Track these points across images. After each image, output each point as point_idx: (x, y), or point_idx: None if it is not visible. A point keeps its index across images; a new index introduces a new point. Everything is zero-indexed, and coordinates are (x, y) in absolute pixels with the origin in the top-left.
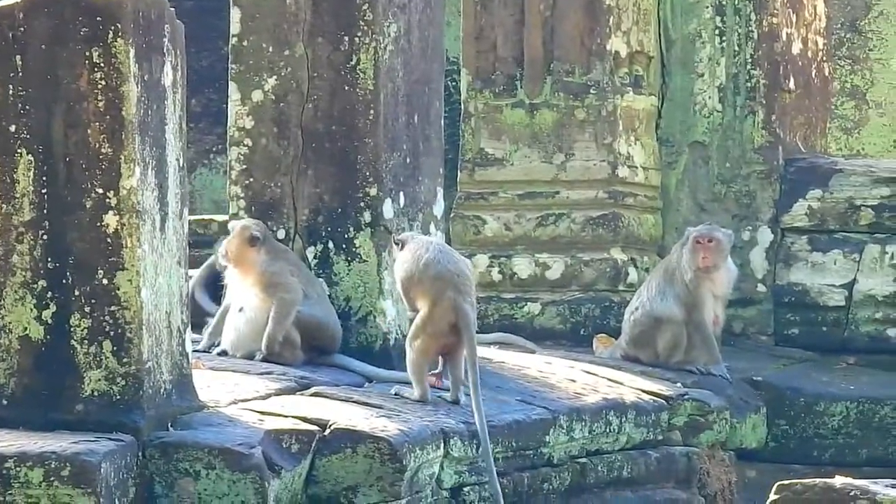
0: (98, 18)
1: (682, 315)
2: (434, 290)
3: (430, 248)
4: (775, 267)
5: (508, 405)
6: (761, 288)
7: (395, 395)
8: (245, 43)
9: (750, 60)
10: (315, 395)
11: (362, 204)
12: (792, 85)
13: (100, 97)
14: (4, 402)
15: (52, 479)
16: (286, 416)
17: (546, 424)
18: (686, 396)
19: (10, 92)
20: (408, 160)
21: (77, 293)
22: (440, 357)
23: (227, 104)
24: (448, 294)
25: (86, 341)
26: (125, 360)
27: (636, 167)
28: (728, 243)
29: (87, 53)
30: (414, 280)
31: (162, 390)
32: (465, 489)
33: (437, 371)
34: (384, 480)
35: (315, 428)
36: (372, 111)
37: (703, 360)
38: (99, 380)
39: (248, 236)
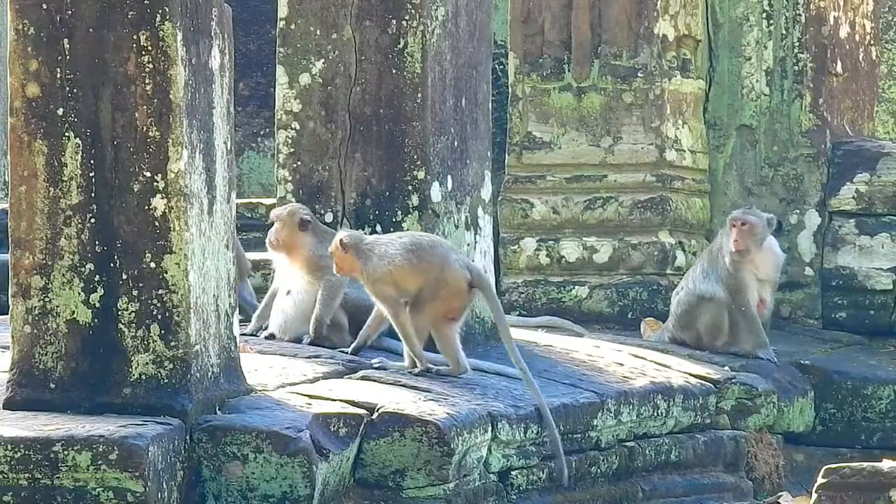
0: (146, 2)
1: (724, 297)
2: (438, 258)
3: (400, 235)
4: (823, 250)
5: (556, 389)
6: (809, 271)
7: (427, 371)
8: (293, 26)
9: (797, 44)
10: (363, 378)
11: (410, 187)
12: (839, 68)
13: (147, 81)
14: (52, 385)
15: (99, 462)
16: (334, 400)
17: (594, 408)
18: (734, 380)
19: (58, 76)
20: (455, 143)
21: (125, 277)
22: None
23: (274, 88)
24: (453, 256)
25: (133, 325)
26: (173, 343)
27: (684, 150)
28: (763, 227)
29: (135, 37)
30: (408, 262)
31: (209, 374)
32: (514, 473)
33: None
34: (432, 464)
35: (363, 411)
36: (419, 94)
37: (749, 344)
38: (147, 363)
39: (299, 220)
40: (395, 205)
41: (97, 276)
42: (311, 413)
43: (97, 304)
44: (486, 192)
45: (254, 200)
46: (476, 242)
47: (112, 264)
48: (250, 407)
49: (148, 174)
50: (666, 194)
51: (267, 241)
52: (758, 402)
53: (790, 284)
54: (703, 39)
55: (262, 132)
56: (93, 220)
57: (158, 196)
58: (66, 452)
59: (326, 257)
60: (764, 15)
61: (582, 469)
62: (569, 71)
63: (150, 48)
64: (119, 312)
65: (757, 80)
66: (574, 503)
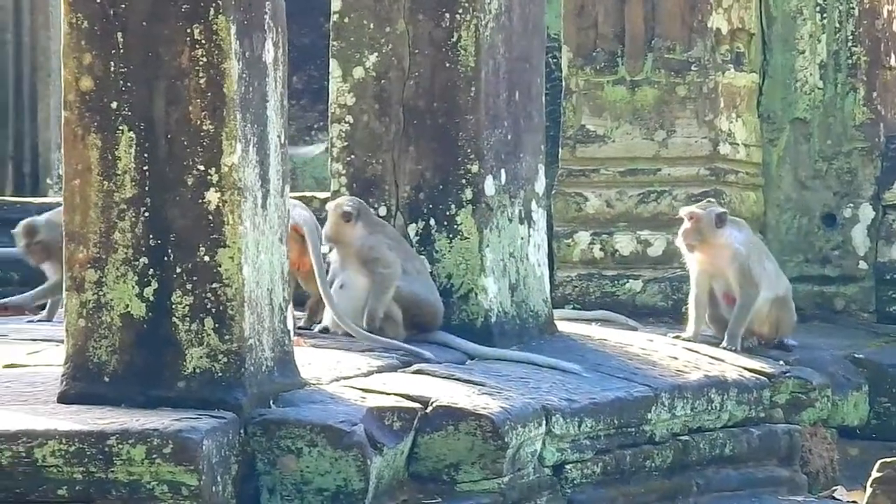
0: None
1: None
2: None
3: None
4: (877, 244)
5: (610, 382)
6: (863, 265)
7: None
8: (346, 20)
9: (851, 37)
10: (417, 372)
11: (464, 181)
12: (893, 62)
13: (201, 74)
14: (106, 379)
15: (154, 456)
16: (388, 394)
17: (648, 402)
18: (788, 374)
19: (112, 69)
20: (509, 137)
21: (179, 270)
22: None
23: (328, 81)
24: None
25: (187, 318)
26: (227, 337)
27: (737, 144)
28: (710, 221)
29: (188, 30)
30: None
31: (264, 367)
32: (568, 466)
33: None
34: (486, 458)
35: (417, 405)
36: (473, 88)
37: (689, 332)
38: (201, 357)
39: (342, 212)
40: (449, 198)
41: (151, 269)
42: (366, 407)
43: (151, 298)
44: (540, 185)
45: (308, 194)
46: (530, 236)
47: (166, 258)
48: (304, 401)
49: (202, 168)
50: (719, 188)
51: (323, 232)
52: (812, 397)
53: (844, 278)
54: (757, 33)
55: (315, 126)
56: (147, 214)
57: (212, 189)
58: (120, 446)
59: (376, 248)
60: (817, 8)
61: (636, 463)
62: (622, 64)
63: (203, 41)
64: (173, 306)
65: (811, 74)
66: (628, 497)
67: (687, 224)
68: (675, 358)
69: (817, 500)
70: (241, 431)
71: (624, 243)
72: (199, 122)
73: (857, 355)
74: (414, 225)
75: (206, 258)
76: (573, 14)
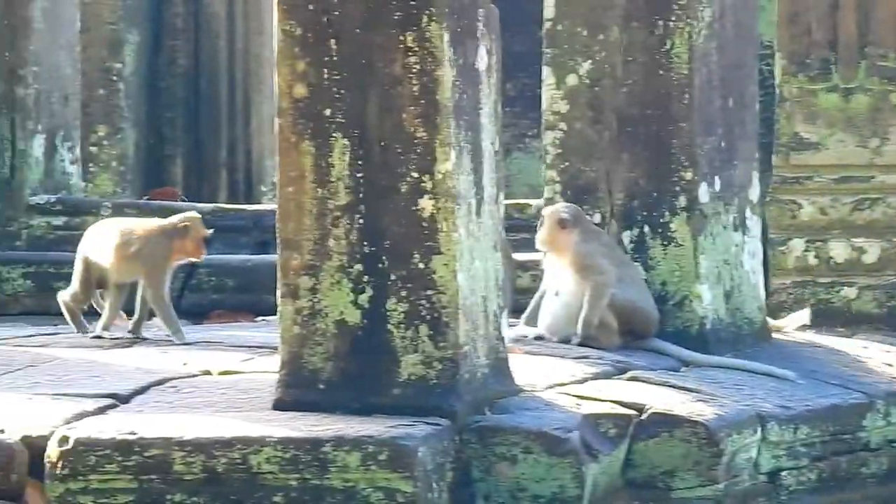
0: (412, 2)
1: None
2: None
3: None
4: None
5: (826, 389)
6: None
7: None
8: (560, 27)
9: None
10: (631, 379)
11: (677, 188)
12: None
13: (414, 81)
14: (321, 386)
15: (369, 463)
16: (603, 400)
17: (863, 409)
18: None
19: (325, 76)
20: (722, 144)
21: (393, 277)
22: None
23: (541, 88)
24: None
25: (402, 325)
26: (442, 344)
27: None
28: (554, 222)
29: (402, 38)
30: None
31: (478, 374)
32: (783, 473)
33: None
34: (701, 465)
35: (632, 412)
36: (686, 95)
37: None
38: (416, 364)
39: (558, 219)
40: (663, 206)
41: (366, 276)
42: (581, 413)
43: (366, 305)
44: (754, 192)
45: (522, 201)
46: (744, 243)
47: (380, 265)
48: (519, 407)
49: (415, 175)
50: None
51: (536, 237)
52: None
53: None
54: None
55: (529, 133)
56: (361, 221)
57: (426, 197)
58: (335, 453)
59: (591, 256)
60: None
61: (852, 470)
62: (835, 72)
63: (416, 49)
64: (388, 313)
65: None
66: None
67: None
68: (890, 365)
69: None
70: (456, 438)
71: (838, 250)
72: (412, 130)
73: None
74: (628, 232)
75: (421, 265)
76: (786, 21)
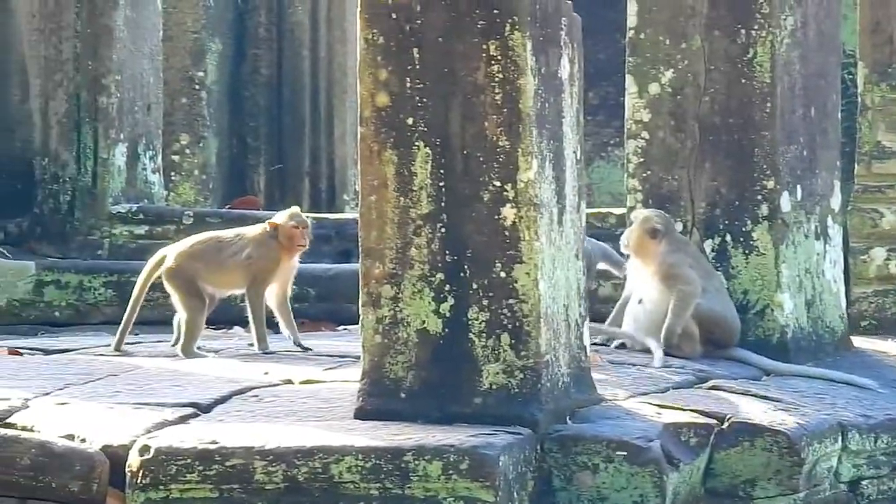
0: (495, 11)
1: None
2: None
3: None
4: None
5: None
6: None
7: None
8: (642, 36)
9: None
10: (713, 388)
11: (759, 197)
12: None
13: (497, 90)
14: (402, 395)
15: (450, 472)
16: (684, 410)
17: None
18: None
19: (408, 85)
20: (804, 153)
21: (475, 286)
22: None
23: (624, 97)
24: None
25: (483, 334)
26: (523, 353)
27: None
28: (642, 230)
29: (484, 46)
30: None
31: (560, 383)
32: (864, 482)
33: None
34: (782, 474)
35: (713, 421)
36: (769, 104)
37: None
38: (497, 373)
39: (650, 228)
40: (745, 214)
41: (447, 285)
42: (662, 423)
43: (447, 314)
44: (836, 201)
45: (604, 210)
46: (826, 252)
47: (462, 274)
48: (600, 416)
49: (497, 184)
50: None
51: (621, 241)
52: None
53: None
54: None
55: (611, 142)
56: (443, 230)
57: (508, 205)
58: (416, 462)
59: (678, 266)
60: None
61: None
62: None
63: (499, 57)
64: (469, 322)
65: None
66: None
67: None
68: None
69: None
70: (538, 447)
71: None
72: (494, 138)
73: None
74: (710, 241)
75: (503, 274)
76: (868, 30)
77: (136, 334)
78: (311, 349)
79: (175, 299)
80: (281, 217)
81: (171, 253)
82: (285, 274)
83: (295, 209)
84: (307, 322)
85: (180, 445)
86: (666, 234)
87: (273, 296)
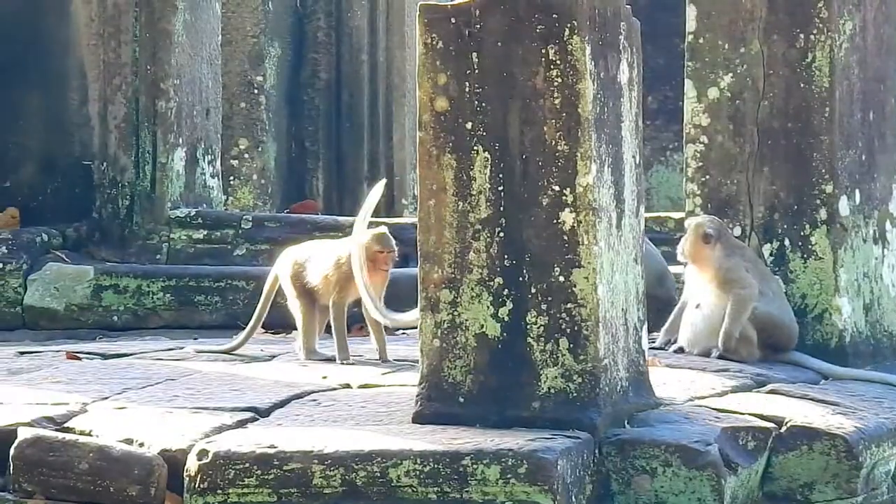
0: (554, 15)
1: None
2: None
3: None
4: None
5: None
6: None
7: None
8: (701, 40)
9: None
10: (771, 392)
11: (818, 201)
12: None
13: (555, 94)
14: (461, 399)
15: (508, 476)
16: (742, 414)
17: None
18: None
19: (467, 89)
20: (863, 157)
21: (533, 290)
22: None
23: (682, 101)
24: None
25: (542, 339)
26: (581, 357)
27: None
28: (696, 236)
29: (543, 51)
30: None
31: (618, 387)
32: None
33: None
34: (840, 478)
35: (771, 425)
36: (827, 108)
37: None
38: (555, 377)
39: (702, 233)
40: (804, 219)
41: (506, 289)
42: (720, 426)
43: (506, 318)
44: (894, 205)
45: (662, 214)
46: (884, 256)
47: (520, 278)
48: (659, 420)
49: (556, 188)
50: None
51: (678, 249)
52: None
53: None
54: None
55: (670, 146)
56: (501, 234)
57: (567, 210)
58: (475, 466)
59: (734, 270)
60: None
61: None
62: None
63: (558, 62)
64: (528, 326)
65: None
66: None
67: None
68: None
69: None
70: (596, 451)
71: None
72: (553, 143)
73: None
74: (768, 245)
75: (561, 278)
76: None
77: (195, 339)
78: (391, 361)
79: (289, 300)
80: (366, 238)
81: (288, 254)
82: (372, 290)
83: (382, 231)
84: (366, 326)
85: (238, 450)
86: (719, 238)
87: (364, 309)
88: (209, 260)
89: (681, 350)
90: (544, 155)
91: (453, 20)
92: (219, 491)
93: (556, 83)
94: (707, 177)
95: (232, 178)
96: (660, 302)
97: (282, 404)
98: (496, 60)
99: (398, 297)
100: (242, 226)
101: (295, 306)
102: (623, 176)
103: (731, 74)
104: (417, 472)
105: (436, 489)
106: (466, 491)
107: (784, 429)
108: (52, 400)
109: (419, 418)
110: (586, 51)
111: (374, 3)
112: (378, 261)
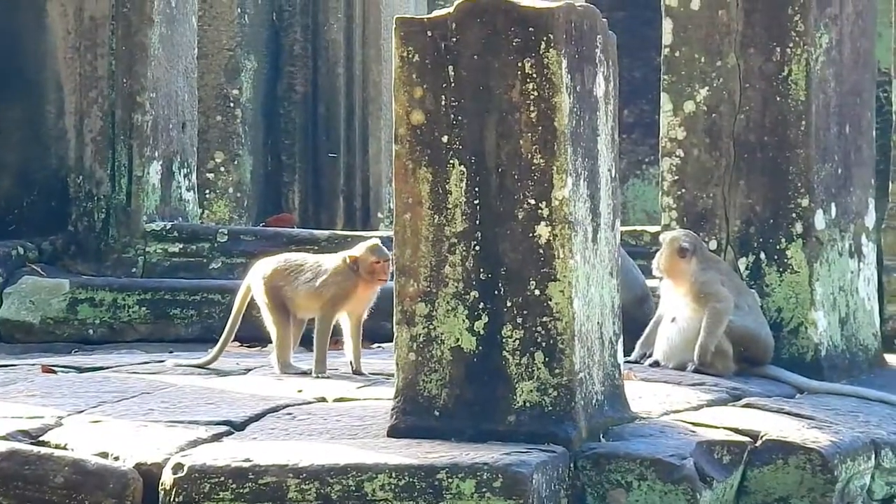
0: (530, 29)
1: None
2: None
3: None
4: None
5: None
6: None
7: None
8: (677, 53)
9: None
10: (746, 406)
11: (794, 215)
12: None
13: (532, 108)
14: (436, 413)
15: (483, 490)
16: (717, 427)
17: None
18: None
19: (443, 103)
20: (839, 171)
21: (509, 304)
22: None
23: (659, 115)
24: None
25: (518, 352)
26: (557, 371)
27: None
28: (671, 250)
29: (520, 64)
30: None
31: (594, 401)
32: None
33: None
34: (815, 492)
35: (746, 439)
36: (803, 122)
37: None
38: (531, 391)
39: (678, 247)
40: (779, 232)
41: (481, 303)
42: (695, 440)
43: (481, 332)
44: (870, 219)
45: (638, 228)
46: (860, 270)
47: (496, 291)
48: (634, 434)
49: (532, 201)
50: None
51: (653, 263)
52: None
53: None
54: None
55: (646, 159)
56: (477, 248)
57: (543, 223)
58: (450, 480)
59: (710, 284)
60: None
61: None
62: None
63: (534, 75)
64: (503, 340)
65: None
66: None
67: None
68: None
69: None
70: (571, 465)
71: None
72: (529, 156)
73: None
74: (744, 259)
75: (537, 292)
76: None
77: (171, 352)
78: (366, 375)
79: (262, 313)
80: (361, 250)
81: (262, 266)
82: (361, 304)
83: (375, 242)
84: (341, 340)
85: (213, 463)
86: (695, 252)
87: (347, 324)
88: (185, 273)
89: (656, 364)
90: (520, 168)
91: (430, 33)
92: None
93: (532, 96)
94: (683, 190)
95: (208, 191)
96: (638, 325)
97: (257, 418)
98: (472, 74)
99: (377, 311)
100: (218, 239)
101: (269, 319)
102: (599, 189)
103: (707, 88)
104: (393, 486)
105: (411, 503)
106: None
107: (759, 443)
108: (27, 413)
109: (394, 432)
110: (562, 64)
111: (350, 17)
112: (376, 271)
